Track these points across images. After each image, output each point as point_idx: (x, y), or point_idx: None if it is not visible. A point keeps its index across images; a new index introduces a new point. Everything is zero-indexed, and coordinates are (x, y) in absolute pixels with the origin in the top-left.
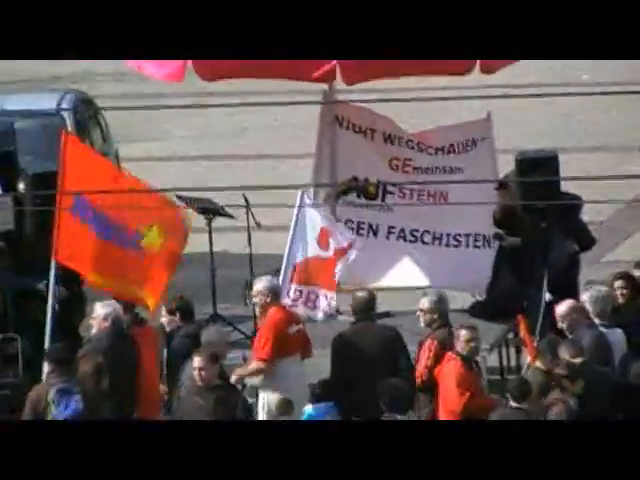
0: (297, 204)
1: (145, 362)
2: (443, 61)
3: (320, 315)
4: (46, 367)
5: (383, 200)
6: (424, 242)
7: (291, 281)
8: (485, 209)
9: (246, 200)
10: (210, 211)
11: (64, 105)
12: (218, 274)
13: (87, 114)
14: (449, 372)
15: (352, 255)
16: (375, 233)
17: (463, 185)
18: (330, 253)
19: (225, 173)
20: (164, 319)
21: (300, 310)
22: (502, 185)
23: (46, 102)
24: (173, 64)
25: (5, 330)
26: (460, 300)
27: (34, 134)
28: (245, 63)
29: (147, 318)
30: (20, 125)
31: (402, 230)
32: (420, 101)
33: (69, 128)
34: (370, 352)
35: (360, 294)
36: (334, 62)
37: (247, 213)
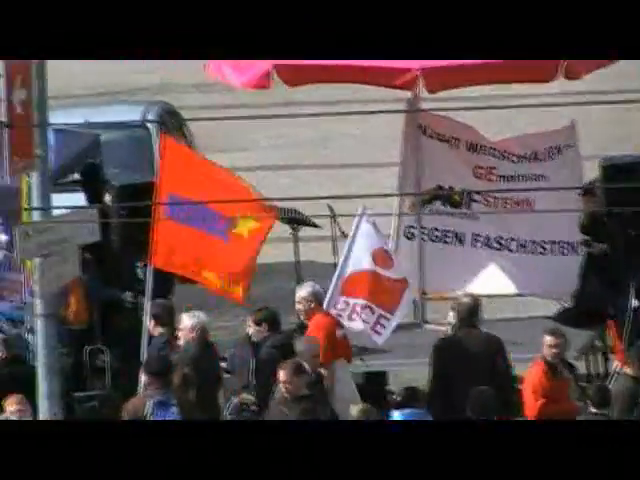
0: (356, 220)
1: None
2: (526, 68)
3: (361, 327)
4: (143, 379)
5: (468, 208)
6: (510, 250)
7: (341, 293)
8: (571, 216)
9: (331, 209)
10: (296, 221)
11: (149, 117)
12: (304, 283)
13: (172, 125)
14: (529, 377)
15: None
16: (461, 241)
17: (548, 192)
18: (389, 273)
19: (310, 183)
20: (251, 329)
21: (344, 321)
22: (587, 191)
23: (131, 114)
24: (257, 72)
25: (92, 342)
26: (544, 307)
27: (120, 146)
28: (329, 68)
29: None
30: (105, 137)
31: (487, 238)
32: (503, 109)
33: (154, 139)
34: (472, 357)
35: (465, 300)
36: (417, 70)
37: (332, 223)
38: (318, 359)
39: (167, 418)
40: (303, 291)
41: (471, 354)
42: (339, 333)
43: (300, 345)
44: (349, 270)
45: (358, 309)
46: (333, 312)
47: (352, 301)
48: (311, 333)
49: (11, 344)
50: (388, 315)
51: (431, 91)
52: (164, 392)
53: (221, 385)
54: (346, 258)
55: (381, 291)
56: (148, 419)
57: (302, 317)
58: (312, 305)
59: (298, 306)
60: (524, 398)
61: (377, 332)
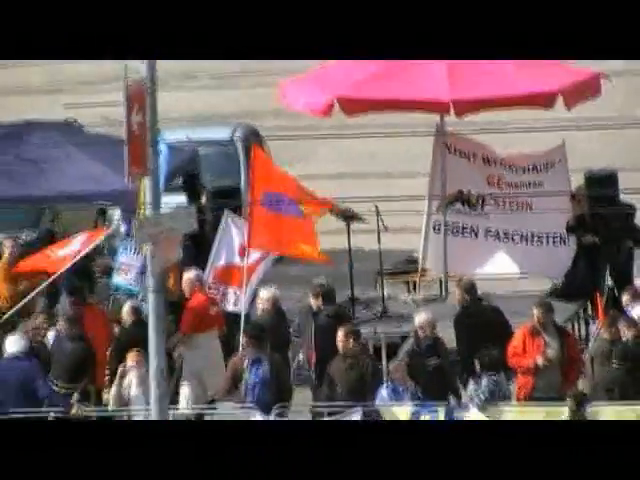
0: (222, 224)
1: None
2: (532, 97)
3: (230, 307)
4: (242, 340)
5: (482, 209)
6: (514, 241)
7: (213, 278)
8: (562, 215)
9: (377, 208)
10: (349, 217)
11: (236, 135)
12: (355, 266)
13: (253, 142)
14: (515, 336)
15: (262, 268)
16: (476, 234)
17: (544, 196)
18: (245, 263)
19: (360, 188)
20: (312, 301)
21: (219, 301)
22: (574, 196)
23: (222, 133)
24: (322, 101)
25: None
26: (542, 284)
27: (213, 158)
28: (379, 101)
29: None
30: (202, 151)
31: (497, 231)
32: (511, 132)
33: (240, 154)
34: (484, 325)
35: (466, 279)
36: (449, 99)
37: (377, 219)
38: None
39: (259, 373)
40: (190, 274)
41: (483, 321)
42: (214, 309)
43: None
44: (221, 262)
45: (223, 292)
46: (209, 293)
47: (221, 287)
48: (189, 307)
49: (138, 311)
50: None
51: (458, 115)
52: (258, 352)
53: (290, 345)
54: (218, 251)
55: (235, 276)
56: (245, 372)
57: (186, 294)
58: (195, 286)
59: (183, 285)
60: (507, 351)
61: (235, 305)
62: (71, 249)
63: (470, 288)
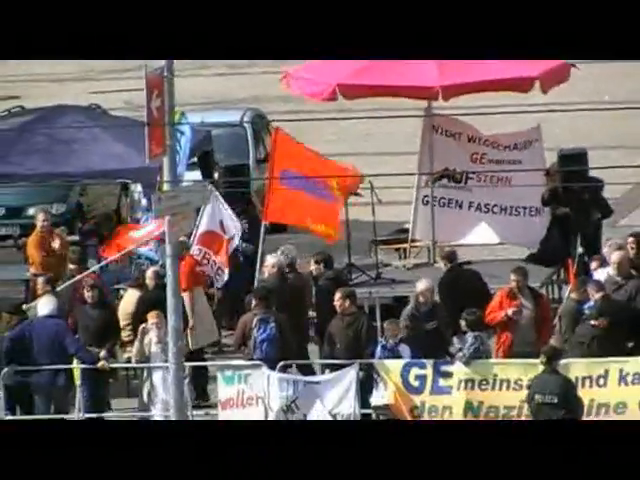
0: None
1: None
2: (515, 82)
3: (211, 273)
4: (252, 301)
5: (466, 183)
6: (494, 212)
7: (197, 243)
8: (537, 189)
9: (371, 184)
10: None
11: (245, 119)
12: (352, 236)
13: (261, 125)
14: (494, 298)
15: (234, 244)
16: (460, 206)
17: (522, 172)
18: (226, 235)
19: (357, 165)
20: (312, 267)
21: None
22: (548, 172)
23: (233, 116)
24: (325, 88)
25: None
26: (520, 252)
27: (225, 139)
28: (376, 87)
29: None
30: (215, 132)
31: (479, 204)
32: (494, 114)
33: (248, 135)
34: (464, 287)
35: (447, 249)
36: (438, 85)
37: (372, 193)
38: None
39: (266, 331)
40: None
41: (463, 284)
42: (199, 269)
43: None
44: (202, 228)
45: (207, 256)
46: (194, 255)
47: (204, 249)
48: (181, 267)
49: (160, 275)
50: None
51: (446, 99)
52: (266, 311)
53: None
54: (201, 220)
55: (217, 245)
56: (253, 330)
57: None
58: (184, 251)
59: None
60: (486, 311)
61: (219, 275)
62: (146, 231)
63: (450, 255)
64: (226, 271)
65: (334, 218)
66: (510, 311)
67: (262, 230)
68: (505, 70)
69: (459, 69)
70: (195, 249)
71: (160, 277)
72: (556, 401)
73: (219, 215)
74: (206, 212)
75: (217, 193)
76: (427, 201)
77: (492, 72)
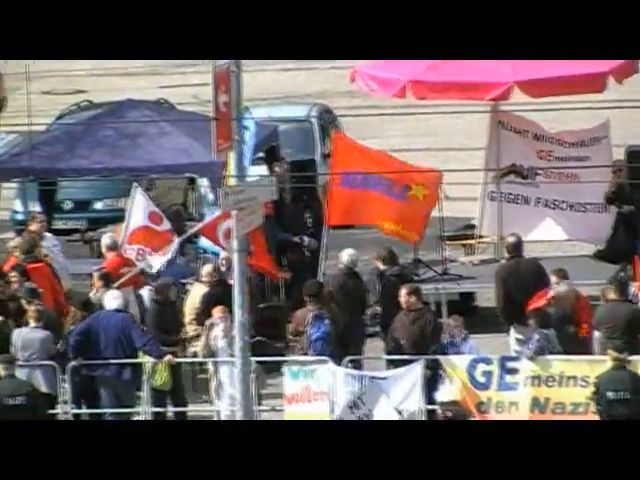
0: (132, 195)
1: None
2: (590, 83)
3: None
4: (305, 297)
5: (533, 180)
6: (562, 209)
7: (129, 242)
8: (604, 186)
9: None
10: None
11: (312, 114)
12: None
13: (328, 120)
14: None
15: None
16: (527, 202)
17: (589, 168)
18: (163, 228)
19: (425, 160)
20: (378, 264)
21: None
22: (615, 169)
23: (299, 111)
24: (397, 86)
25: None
26: (587, 248)
27: (291, 134)
28: (447, 84)
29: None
30: (282, 128)
31: (546, 200)
32: (560, 110)
33: (315, 130)
34: (521, 279)
35: (511, 239)
36: (512, 82)
37: (438, 189)
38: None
39: (322, 328)
40: (105, 239)
41: (521, 276)
42: (125, 269)
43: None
44: (131, 226)
45: (141, 252)
46: (127, 254)
47: (135, 246)
48: (106, 268)
49: (220, 271)
50: (158, 254)
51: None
52: (320, 308)
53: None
54: (129, 218)
55: (154, 239)
56: (308, 326)
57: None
58: (106, 250)
59: (103, 250)
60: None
61: (150, 266)
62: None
63: (510, 245)
64: (163, 259)
65: (417, 220)
66: (550, 294)
67: (324, 226)
68: (577, 66)
69: (531, 66)
70: (127, 248)
71: (218, 272)
72: (629, 397)
73: (148, 208)
74: (134, 209)
75: (140, 190)
76: (494, 197)
77: (566, 68)
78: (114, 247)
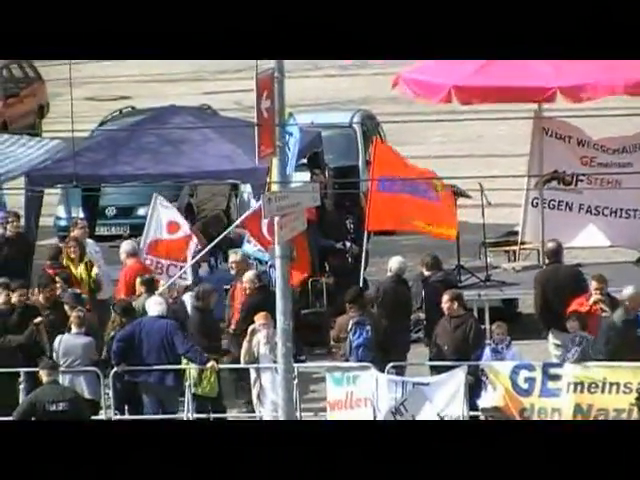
0: (152, 205)
1: None
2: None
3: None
4: (347, 304)
5: (576, 186)
6: (604, 215)
7: (147, 253)
8: None
9: (481, 186)
10: (457, 193)
11: (355, 120)
12: (461, 238)
13: (371, 126)
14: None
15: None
16: (570, 209)
17: (632, 175)
18: (178, 235)
19: (466, 168)
20: (423, 270)
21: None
22: None
23: (342, 118)
24: (442, 91)
25: (313, 275)
26: (631, 255)
27: (334, 140)
28: (492, 88)
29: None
30: (325, 133)
31: (589, 207)
32: (603, 117)
33: (358, 136)
34: (560, 284)
35: (550, 245)
36: (555, 87)
37: (481, 195)
38: None
39: (362, 334)
40: (125, 246)
41: (560, 281)
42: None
43: None
44: (149, 238)
45: (159, 265)
46: (147, 263)
47: (154, 258)
48: (125, 274)
49: (261, 277)
50: (179, 263)
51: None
52: (360, 314)
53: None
54: (148, 228)
55: (169, 249)
56: (349, 333)
57: (122, 259)
58: (125, 256)
59: (122, 256)
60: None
61: (182, 278)
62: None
63: (550, 251)
64: (189, 271)
65: (449, 216)
66: (592, 299)
67: (366, 232)
68: (622, 70)
69: (575, 69)
70: (146, 258)
71: (260, 279)
72: None
73: (166, 218)
74: (152, 220)
75: (161, 199)
76: (537, 203)
77: (611, 72)
78: (134, 253)
